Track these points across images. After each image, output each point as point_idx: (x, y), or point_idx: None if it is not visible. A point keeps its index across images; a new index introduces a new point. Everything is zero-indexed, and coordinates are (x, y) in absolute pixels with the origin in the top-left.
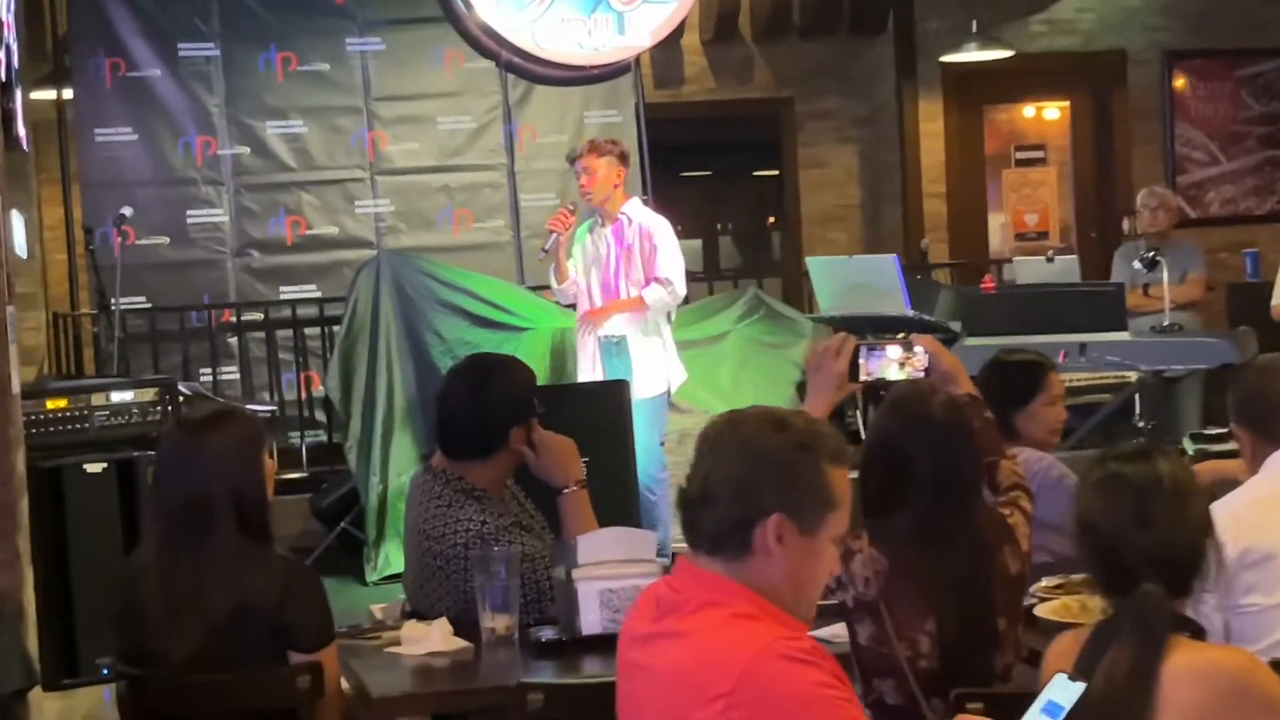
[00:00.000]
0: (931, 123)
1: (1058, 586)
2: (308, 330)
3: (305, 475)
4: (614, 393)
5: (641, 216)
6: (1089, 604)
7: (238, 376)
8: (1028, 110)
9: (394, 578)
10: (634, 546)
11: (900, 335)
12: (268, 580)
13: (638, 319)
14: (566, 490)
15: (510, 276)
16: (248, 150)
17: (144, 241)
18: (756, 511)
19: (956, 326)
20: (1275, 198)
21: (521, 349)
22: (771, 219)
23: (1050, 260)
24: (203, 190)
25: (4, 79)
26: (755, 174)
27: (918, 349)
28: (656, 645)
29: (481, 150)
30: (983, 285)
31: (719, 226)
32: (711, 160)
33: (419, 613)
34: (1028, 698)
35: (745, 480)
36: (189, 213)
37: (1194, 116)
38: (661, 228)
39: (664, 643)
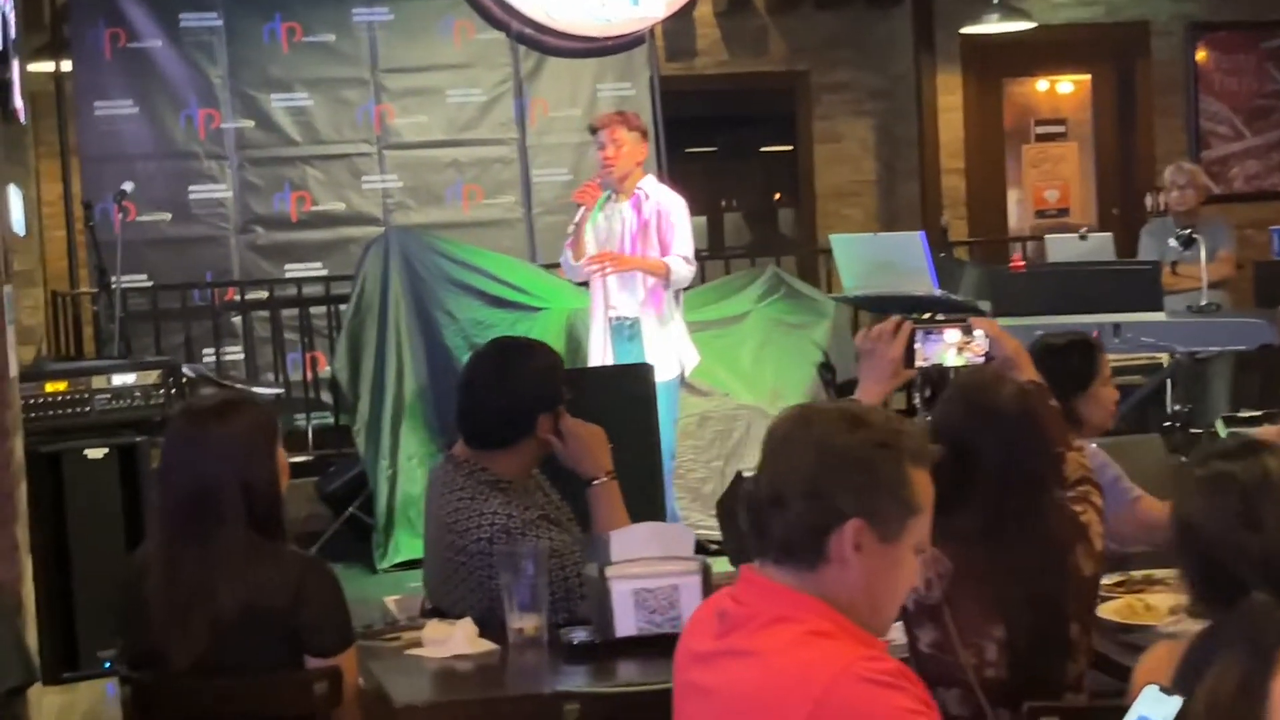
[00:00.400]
0: (950, 96)
1: (1118, 584)
2: (313, 309)
3: (311, 458)
4: (638, 376)
5: (659, 193)
6: (1153, 604)
7: (242, 357)
8: (1048, 84)
9: (404, 565)
10: (670, 543)
11: (952, 319)
12: (280, 578)
13: (652, 301)
14: (596, 482)
15: (521, 254)
16: (252, 124)
17: (145, 218)
18: (832, 517)
19: (985, 306)
20: None
21: (536, 329)
22: (777, 195)
23: (1083, 238)
24: (205, 165)
25: (1, 49)
26: (762, 150)
27: (977, 333)
28: (720, 665)
29: (492, 124)
30: (1012, 264)
31: (724, 204)
32: (719, 136)
33: (441, 610)
34: (1114, 712)
35: (820, 482)
36: (191, 188)
37: (1218, 90)
38: (678, 205)
39: (729, 662)
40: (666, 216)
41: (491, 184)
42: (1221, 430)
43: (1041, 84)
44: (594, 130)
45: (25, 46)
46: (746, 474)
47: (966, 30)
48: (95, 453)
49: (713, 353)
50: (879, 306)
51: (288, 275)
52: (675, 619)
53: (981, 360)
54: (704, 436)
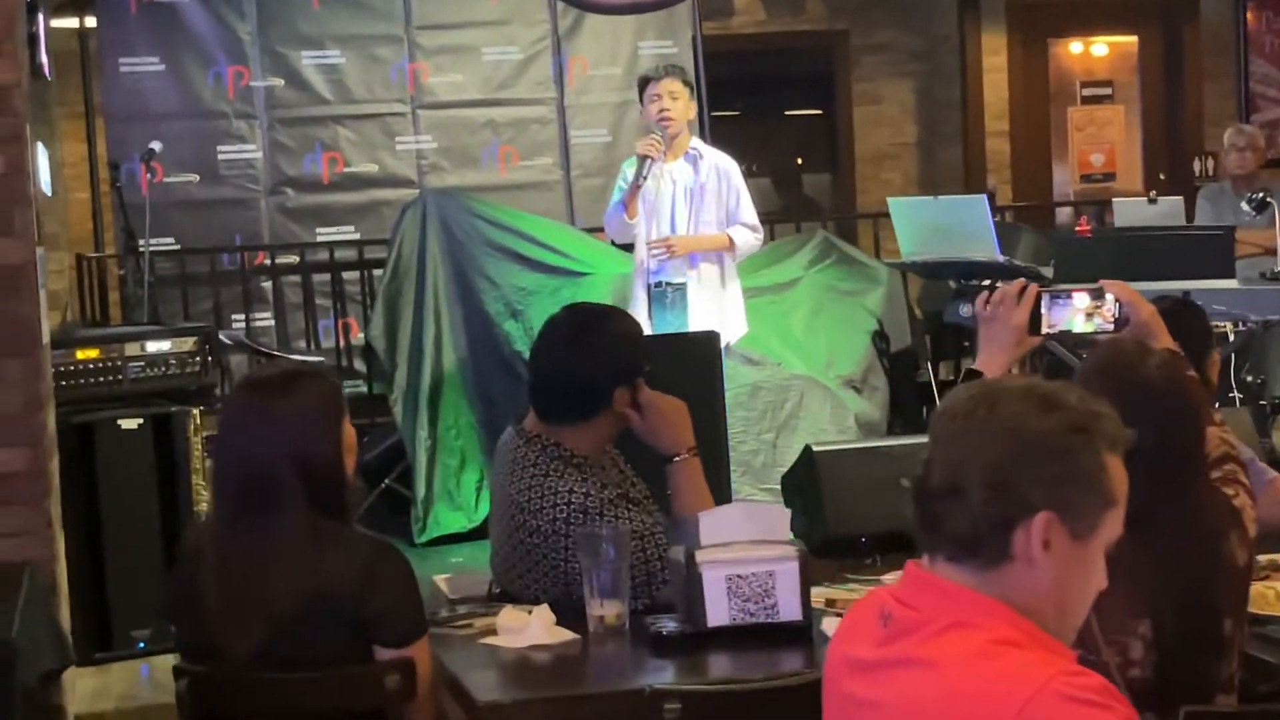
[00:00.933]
0: (994, 56)
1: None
2: (346, 274)
3: None
4: (705, 344)
5: (713, 154)
6: None
7: (272, 323)
8: (1095, 45)
9: (444, 540)
10: (766, 525)
11: (1082, 284)
12: (346, 564)
13: (712, 267)
14: (678, 458)
15: (560, 218)
16: (282, 82)
17: (172, 179)
18: (1019, 510)
19: (1048, 273)
20: None
21: (581, 296)
22: (799, 160)
23: (1153, 201)
24: (234, 124)
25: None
26: (787, 113)
27: (1108, 297)
28: (888, 676)
29: (529, 83)
30: (1077, 229)
31: (751, 168)
32: (754, 98)
33: (510, 595)
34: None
35: (1008, 471)
36: (220, 148)
37: (1268, 52)
38: (735, 168)
39: (899, 674)
40: (728, 179)
41: (528, 145)
42: None
43: (1086, 46)
44: (646, 82)
45: (48, 1)
46: (817, 449)
47: None
48: (129, 423)
49: (764, 320)
50: (938, 272)
51: (319, 239)
52: (771, 608)
53: (1111, 327)
54: (755, 408)
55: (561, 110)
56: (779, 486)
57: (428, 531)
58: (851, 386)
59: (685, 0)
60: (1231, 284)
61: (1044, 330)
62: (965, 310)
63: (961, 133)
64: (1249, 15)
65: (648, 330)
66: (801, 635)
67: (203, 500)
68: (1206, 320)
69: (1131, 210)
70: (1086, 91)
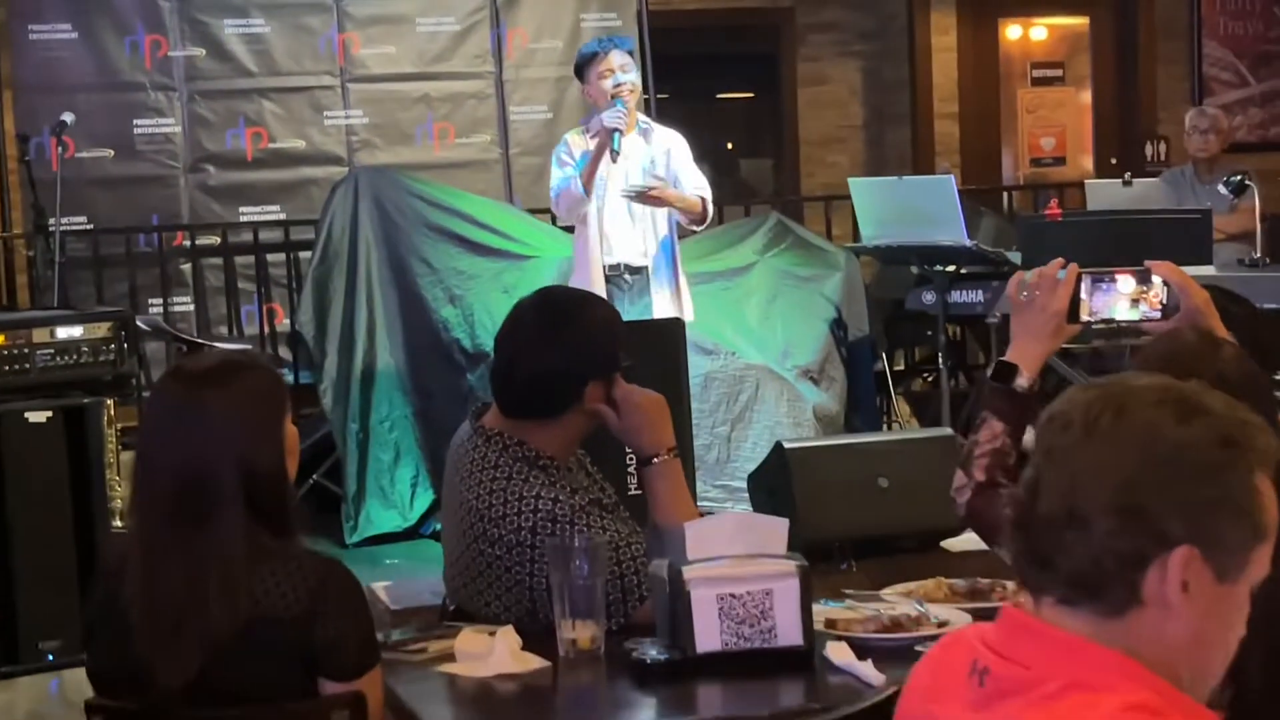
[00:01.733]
0: (944, 36)
1: None
2: (270, 257)
3: None
4: (669, 333)
5: (661, 129)
6: None
7: (191, 308)
8: (1045, 26)
9: (376, 540)
10: (760, 537)
11: (1132, 266)
12: (292, 585)
13: (666, 250)
14: (658, 459)
15: (498, 198)
16: (203, 52)
17: (85, 154)
18: (1155, 543)
19: (1015, 258)
20: None
21: (524, 280)
22: (730, 145)
23: (1128, 184)
24: (152, 96)
25: None
26: (730, 95)
27: (1155, 280)
28: None
29: (466, 56)
30: (1048, 212)
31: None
32: (690, 78)
33: (466, 613)
34: None
35: (1141, 494)
36: (136, 122)
37: (1222, 35)
38: (684, 142)
39: None
40: (679, 152)
41: (465, 121)
42: None
43: (1036, 27)
44: (590, 58)
45: None
46: (788, 445)
47: None
48: (37, 416)
49: (717, 307)
50: (900, 257)
51: (242, 219)
52: (769, 631)
53: (1158, 315)
54: (709, 399)
55: (500, 85)
56: (734, 483)
57: (359, 531)
58: (809, 377)
59: None
60: (1209, 271)
61: (1084, 318)
62: (928, 296)
63: (910, 115)
64: None
65: None
66: (803, 662)
67: (118, 497)
68: (1255, 310)
69: (1104, 193)
70: (1037, 73)
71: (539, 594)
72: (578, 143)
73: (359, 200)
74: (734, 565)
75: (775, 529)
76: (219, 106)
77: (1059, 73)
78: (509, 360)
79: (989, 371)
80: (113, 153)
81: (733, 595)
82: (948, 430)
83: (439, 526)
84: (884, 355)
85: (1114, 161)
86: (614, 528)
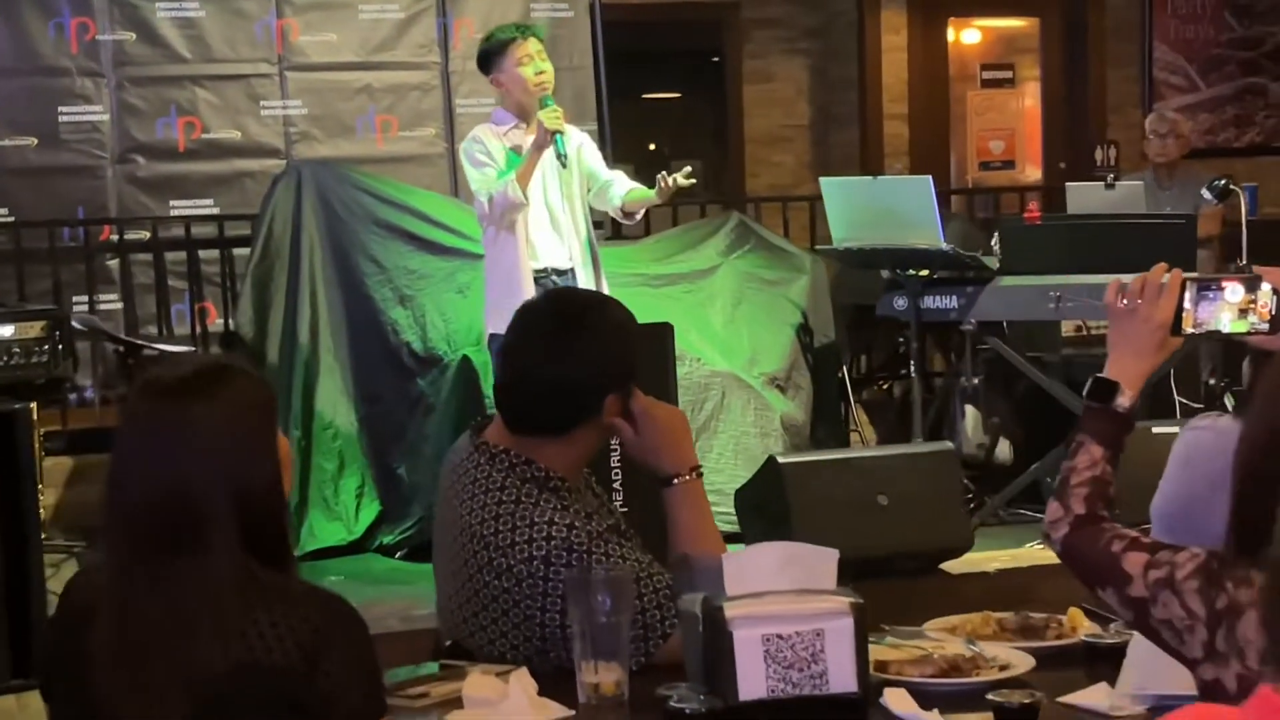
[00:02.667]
0: (894, 35)
1: None
2: (203, 253)
3: None
4: (656, 338)
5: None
6: None
7: (119, 306)
8: (996, 26)
9: (318, 554)
10: (807, 570)
11: (1235, 272)
12: (290, 627)
13: (594, 250)
14: (679, 480)
15: (443, 194)
16: (133, 36)
17: (7, 142)
18: None
19: (992, 263)
20: (1256, 129)
21: (479, 280)
22: (652, 146)
23: (1110, 186)
24: (78, 83)
25: None
26: (670, 93)
27: (1264, 287)
28: None
29: (410, 45)
30: (1027, 215)
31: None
32: (630, 74)
33: (464, 650)
34: None
35: None
36: (61, 109)
37: (1173, 39)
38: (588, 136)
39: None
40: (590, 147)
41: (409, 114)
42: (1230, 404)
43: (987, 27)
44: (503, 45)
45: None
46: (783, 460)
47: None
48: None
49: (680, 311)
50: (872, 261)
51: (173, 213)
52: (820, 676)
53: (1267, 327)
54: None
55: (446, 76)
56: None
57: (301, 544)
58: (776, 385)
59: None
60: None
61: (1187, 330)
62: (900, 302)
63: (859, 115)
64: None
65: None
66: (857, 710)
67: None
68: None
69: (1086, 195)
70: (986, 75)
71: (551, 631)
72: (493, 141)
73: (302, 195)
74: (780, 602)
75: (824, 561)
76: (149, 94)
77: (1009, 74)
78: (519, 371)
79: (1085, 390)
80: (36, 141)
81: (779, 636)
82: (948, 444)
83: (385, 540)
84: (845, 362)
85: (1063, 166)
86: (634, 556)
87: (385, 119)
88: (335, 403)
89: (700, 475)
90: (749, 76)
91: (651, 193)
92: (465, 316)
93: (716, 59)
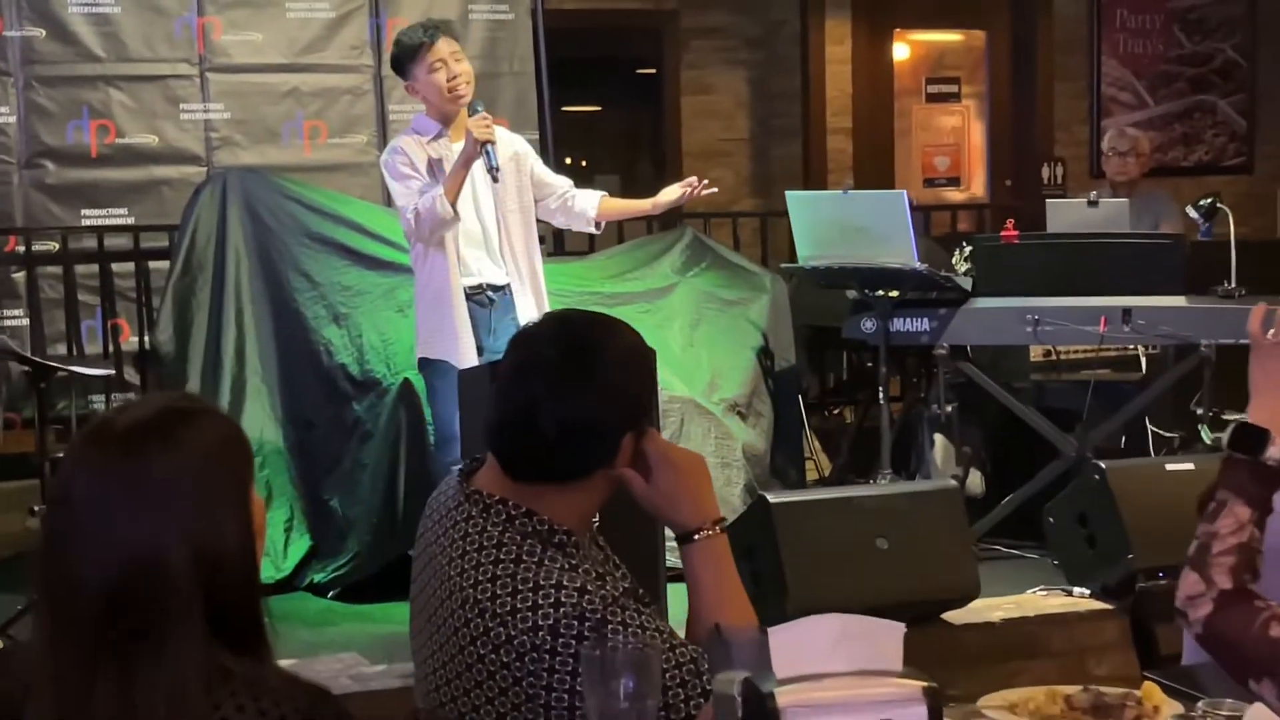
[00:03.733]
0: (838, 46)
1: None
2: (117, 266)
3: None
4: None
5: (502, 130)
6: None
7: (25, 322)
8: (941, 38)
9: None
10: (869, 647)
11: None
12: None
13: (536, 262)
14: (700, 534)
15: (377, 204)
16: (42, 33)
17: None
18: None
19: (965, 284)
20: (1204, 147)
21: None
22: (569, 160)
23: (1093, 204)
24: None
25: None
26: (564, 109)
27: None
28: None
29: (341, 47)
30: (1004, 234)
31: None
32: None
33: None
34: None
35: None
36: None
37: (1122, 53)
38: (524, 141)
39: None
40: (530, 152)
41: (339, 119)
42: (1206, 437)
43: (932, 39)
44: (415, 49)
45: None
46: (773, 500)
47: None
48: None
49: (639, 332)
50: (838, 280)
51: (85, 223)
52: None
53: None
54: None
55: (379, 80)
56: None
57: None
58: (736, 412)
59: None
60: (1180, 301)
61: None
62: (869, 324)
63: (801, 128)
64: (1103, 12)
65: (475, 349)
66: None
67: None
68: None
69: (1067, 213)
70: (932, 89)
71: (559, 714)
72: (416, 151)
73: (227, 204)
74: (839, 686)
75: (889, 636)
76: (60, 95)
77: (954, 89)
78: (519, 409)
79: (1227, 438)
80: None
81: None
82: (951, 482)
83: (316, 578)
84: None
85: (1008, 184)
86: (653, 625)
87: (314, 124)
88: (262, 428)
89: (724, 529)
90: (687, 88)
91: (639, 203)
92: (405, 337)
93: (653, 70)
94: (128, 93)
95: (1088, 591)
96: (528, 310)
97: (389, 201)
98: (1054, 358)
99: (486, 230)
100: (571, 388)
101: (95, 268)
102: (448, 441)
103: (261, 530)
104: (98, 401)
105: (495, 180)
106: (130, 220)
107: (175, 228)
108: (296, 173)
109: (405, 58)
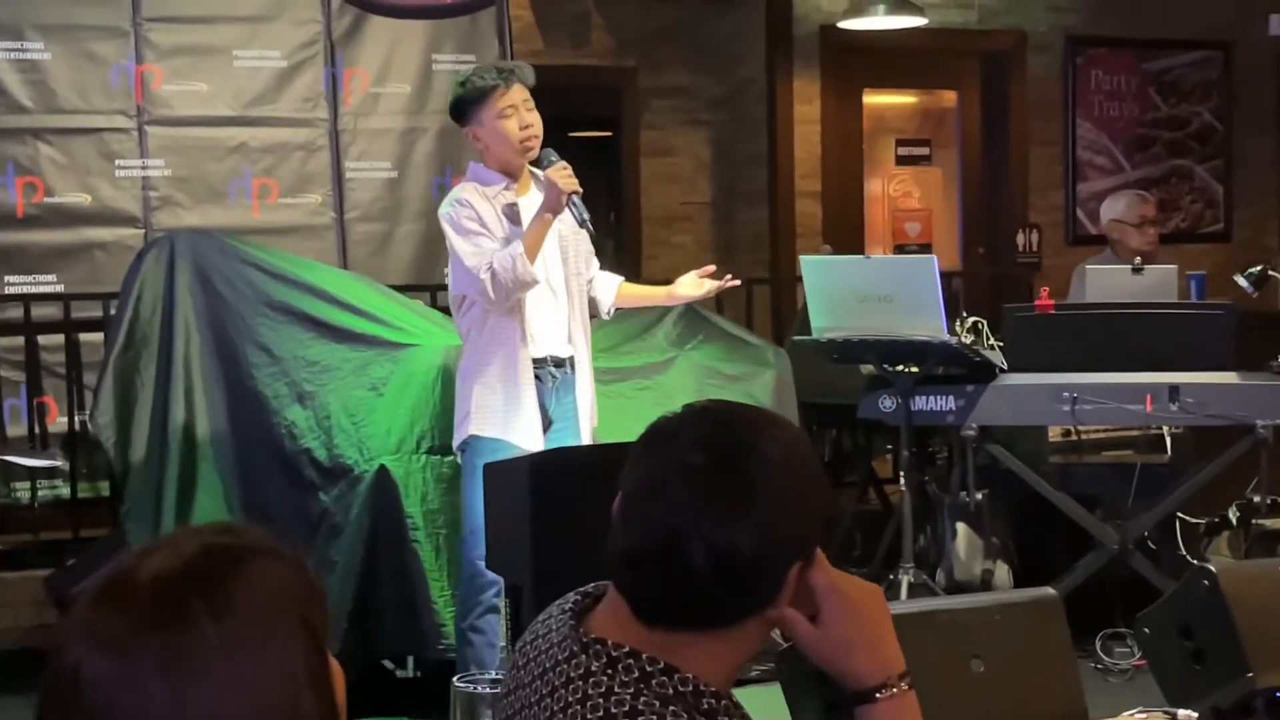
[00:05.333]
0: (807, 105)
1: None
2: (44, 338)
3: (35, 541)
4: None
5: None
6: None
7: None
8: (911, 99)
9: None
10: None
11: None
12: None
13: (587, 334)
14: (884, 693)
15: None
16: None
17: None
18: None
19: (998, 359)
20: (1181, 214)
21: (399, 373)
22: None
23: (1138, 270)
24: None
25: None
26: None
27: None
28: None
29: (293, 99)
30: (1038, 303)
31: None
32: None
33: None
34: None
35: None
36: None
37: (1097, 116)
38: None
39: None
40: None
41: (291, 178)
42: (1233, 517)
43: (904, 100)
44: (486, 92)
45: None
46: None
47: (834, 24)
48: None
49: (636, 412)
50: (856, 354)
51: (9, 290)
52: None
53: None
54: None
55: (334, 135)
56: None
57: None
58: None
59: (491, 7)
60: (1231, 378)
61: None
62: (888, 402)
63: (768, 192)
64: (1077, 73)
65: (541, 432)
66: None
67: None
68: None
69: (1107, 281)
70: (902, 150)
71: None
72: (482, 204)
73: (175, 269)
74: None
75: None
76: None
77: (925, 150)
78: (664, 537)
79: None
80: None
81: None
82: (1050, 591)
83: None
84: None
85: (981, 251)
86: None
87: (263, 183)
88: (215, 520)
89: (911, 684)
90: (646, 148)
91: (655, 292)
92: (381, 419)
93: (609, 133)
94: (58, 147)
95: (1195, 715)
96: (585, 391)
97: (344, 268)
98: (1074, 437)
99: (557, 296)
100: (728, 506)
101: (20, 340)
102: (479, 532)
103: (342, 709)
104: (21, 489)
105: (591, 233)
106: (59, 288)
107: (110, 296)
108: (244, 235)
109: (471, 100)
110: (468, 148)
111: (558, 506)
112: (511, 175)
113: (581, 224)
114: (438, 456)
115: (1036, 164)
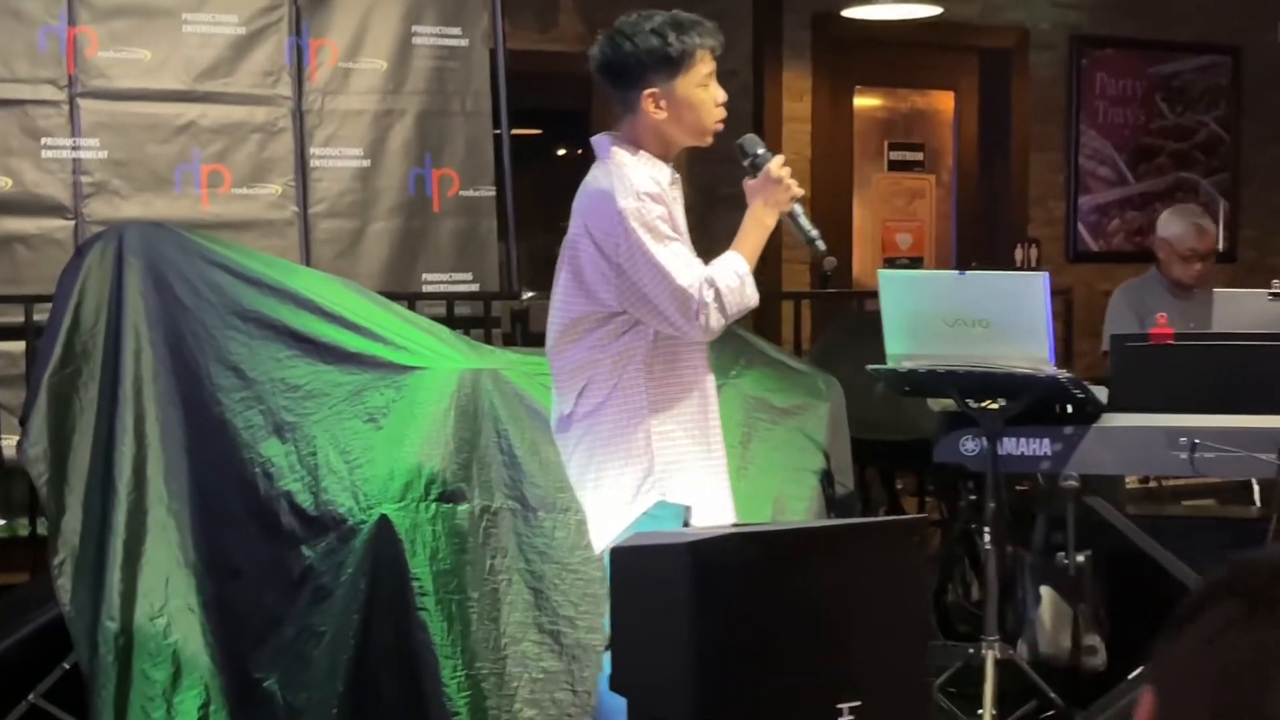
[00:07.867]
0: (797, 103)
1: None
2: None
3: None
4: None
5: None
6: None
7: None
8: (905, 100)
9: None
10: None
11: None
12: None
13: None
14: None
15: None
16: None
17: None
18: None
19: (1100, 393)
20: None
21: (404, 405)
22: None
23: (1277, 296)
24: None
25: None
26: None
27: None
28: None
29: (252, 73)
30: (1154, 331)
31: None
32: None
33: None
34: None
35: None
36: None
37: (1101, 123)
38: None
39: None
40: None
41: (247, 164)
42: None
43: (898, 101)
44: (689, 55)
45: None
46: None
47: (834, 12)
48: None
49: None
50: (937, 386)
51: None
52: None
53: None
54: None
55: (298, 116)
56: None
57: None
58: None
59: None
60: None
61: None
62: (970, 445)
63: None
64: (1083, 75)
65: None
66: None
67: None
68: None
69: (1240, 307)
70: (894, 155)
71: None
72: (674, 206)
73: (124, 270)
74: None
75: None
76: None
77: (919, 155)
78: None
79: None
80: None
81: None
82: None
83: None
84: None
85: (974, 265)
86: None
87: (214, 169)
88: (169, 578)
89: None
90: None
91: None
92: (381, 458)
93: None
94: None
95: None
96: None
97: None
98: (1154, 485)
99: None
100: None
101: None
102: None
103: None
104: None
105: (822, 252)
106: None
107: (34, 299)
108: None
109: (668, 61)
110: (449, 133)
111: (725, 613)
112: (667, 159)
113: (810, 242)
114: (450, 505)
115: (1037, 173)
